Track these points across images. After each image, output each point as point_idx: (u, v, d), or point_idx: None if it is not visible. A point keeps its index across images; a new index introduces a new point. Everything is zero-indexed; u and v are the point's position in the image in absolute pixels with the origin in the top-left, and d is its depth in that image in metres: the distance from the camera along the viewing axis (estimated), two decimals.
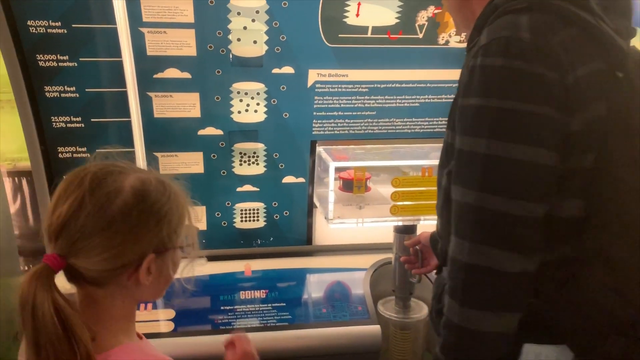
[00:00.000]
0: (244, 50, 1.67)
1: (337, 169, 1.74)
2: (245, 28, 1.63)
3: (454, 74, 1.85)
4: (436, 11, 1.70)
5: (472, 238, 0.85)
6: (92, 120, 1.69)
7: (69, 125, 1.68)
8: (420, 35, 1.75)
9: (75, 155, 1.72)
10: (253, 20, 1.62)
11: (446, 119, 1.87)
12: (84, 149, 1.73)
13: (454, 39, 1.77)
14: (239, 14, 1.60)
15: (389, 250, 1.99)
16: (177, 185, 0.84)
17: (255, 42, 1.66)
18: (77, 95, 1.65)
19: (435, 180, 1.73)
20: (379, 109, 1.87)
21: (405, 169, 1.87)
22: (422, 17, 1.71)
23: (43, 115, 1.66)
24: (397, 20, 1.70)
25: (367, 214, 1.78)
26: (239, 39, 1.65)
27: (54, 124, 1.67)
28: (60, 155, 1.72)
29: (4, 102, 1.90)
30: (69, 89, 1.63)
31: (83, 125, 1.69)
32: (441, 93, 1.88)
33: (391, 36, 1.73)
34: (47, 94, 1.63)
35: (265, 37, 1.66)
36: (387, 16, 1.69)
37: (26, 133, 1.65)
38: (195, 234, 0.88)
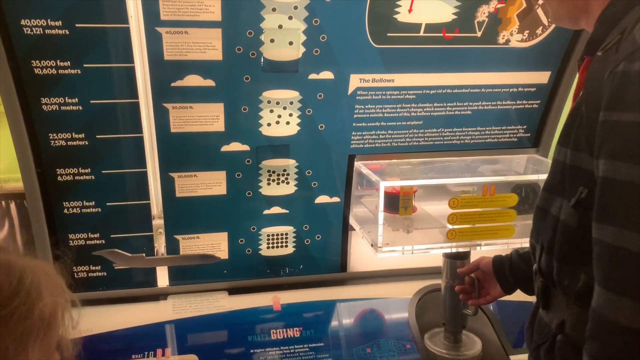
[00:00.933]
0: (277, 53, 1.45)
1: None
2: (280, 27, 1.41)
3: (512, 77, 1.67)
4: (499, 5, 1.50)
5: (637, 295, 0.68)
6: (97, 137, 1.47)
7: (69, 143, 1.45)
8: (479, 34, 1.55)
9: (77, 177, 1.50)
10: (290, 18, 1.41)
11: (500, 127, 1.70)
12: (87, 170, 1.51)
13: (515, 37, 1.58)
14: (274, 10, 1.38)
15: (434, 275, 1.82)
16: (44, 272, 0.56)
17: (291, 43, 1.45)
18: (80, 108, 1.42)
19: (497, 199, 1.57)
20: (426, 118, 1.67)
21: (458, 187, 1.67)
22: (483, 13, 1.51)
23: (39, 131, 1.42)
24: (455, 17, 1.50)
25: (417, 239, 1.59)
26: (272, 40, 1.43)
27: (52, 141, 1.44)
28: (59, 178, 1.49)
29: None
30: (70, 100, 1.40)
31: (87, 143, 1.46)
32: (496, 99, 1.69)
33: (446, 35, 1.53)
34: (45, 107, 1.39)
35: (303, 38, 1.45)
36: (444, 12, 1.49)
37: (19, 153, 1.42)
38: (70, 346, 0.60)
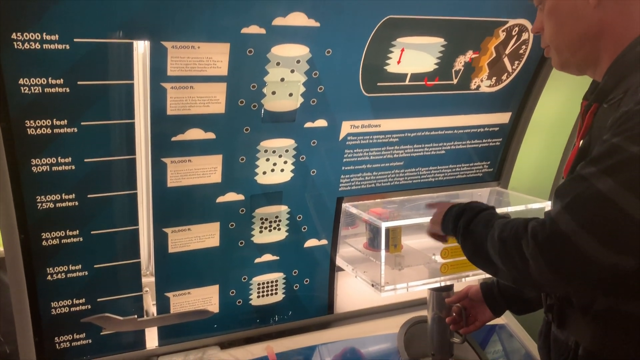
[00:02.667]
0: (277, 104, 1.54)
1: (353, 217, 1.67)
2: (282, 80, 1.50)
3: (479, 119, 1.90)
4: (473, 56, 1.72)
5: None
6: (88, 196, 1.43)
7: (58, 204, 1.41)
8: (455, 81, 1.76)
9: (64, 240, 1.45)
10: (292, 71, 1.50)
11: (468, 164, 1.91)
12: (76, 232, 1.46)
13: (484, 83, 1.81)
14: (278, 64, 1.47)
15: (416, 307, 1.97)
16: None
17: (291, 94, 1.54)
18: (73, 168, 1.39)
19: None
20: (407, 158, 1.84)
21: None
22: (460, 62, 1.72)
23: (26, 195, 1.37)
24: (436, 67, 1.69)
25: (410, 275, 1.74)
26: (273, 92, 1.51)
27: (40, 204, 1.39)
28: (44, 243, 1.43)
29: None
30: (63, 160, 1.37)
31: (77, 204, 1.43)
32: (466, 139, 1.91)
33: (428, 83, 1.71)
34: (34, 169, 1.35)
35: (303, 89, 1.55)
36: (427, 62, 1.67)
37: (2, 219, 1.35)
38: None
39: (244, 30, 1.38)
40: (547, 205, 1.89)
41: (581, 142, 0.99)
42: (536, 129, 2.07)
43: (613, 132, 0.85)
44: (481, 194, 2.09)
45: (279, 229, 1.74)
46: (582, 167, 0.87)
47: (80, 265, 1.50)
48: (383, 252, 1.64)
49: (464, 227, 1.09)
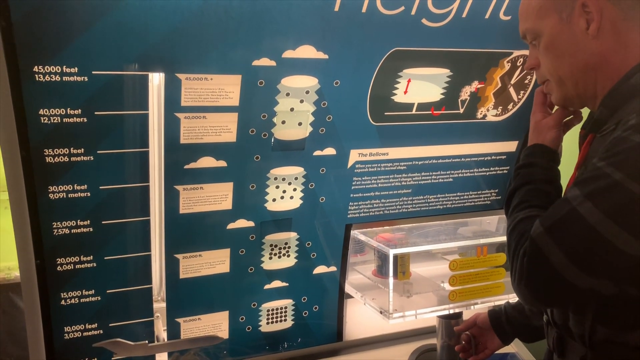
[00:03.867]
0: (287, 133, 1.58)
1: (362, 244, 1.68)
2: (292, 110, 1.54)
3: (486, 147, 1.92)
4: (479, 86, 1.75)
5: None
6: (102, 222, 1.46)
7: (73, 230, 1.44)
8: (461, 111, 1.79)
9: (78, 266, 1.48)
10: (301, 101, 1.54)
11: (476, 192, 1.93)
12: (90, 258, 1.49)
13: (491, 112, 1.84)
14: (288, 94, 1.51)
15: (426, 335, 1.96)
16: None
17: (300, 123, 1.58)
18: (88, 195, 1.42)
19: (490, 259, 1.77)
20: (415, 186, 1.86)
21: (445, 249, 1.86)
22: (466, 92, 1.75)
23: (43, 221, 1.41)
24: (442, 96, 1.73)
25: (419, 303, 1.74)
26: (283, 122, 1.55)
27: (56, 230, 1.42)
28: (59, 268, 1.46)
29: None
30: (79, 187, 1.41)
31: (91, 230, 1.46)
32: (473, 167, 1.93)
33: (434, 112, 1.74)
34: (51, 196, 1.39)
35: (312, 119, 1.59)
36: (434, 92, 1.71)
37: (19, 244, 1.39)
38: None
39: (255, 63, 1.43)
40: None
41: (578, 172, 1.01)
42: None
43: (600, 157, 0.87)
44: (490, 222, 2.10)
45: (289, 256, 1.76)
46: (568, 190, 0.90)
47: (93, 291, 1.52)
48: (391, 280, 1.65)
49: (509, 193, 1.11)
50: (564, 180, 2.13)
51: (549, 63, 1.04)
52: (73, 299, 1.51)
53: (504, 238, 1.84)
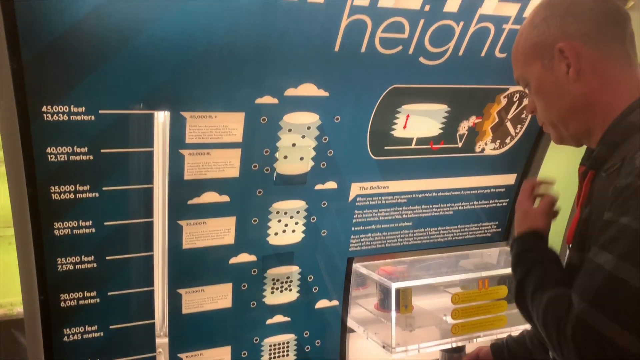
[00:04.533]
0: (289, 167, 1.61)
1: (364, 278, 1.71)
2: (294, 145, 1.57)
3: (486, 180, 1.94)
4: (477, 121, 1.79)
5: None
6: (107, 258, 1.47)
7: (78, 266, 1.45)
8: (460, 145, 1.81)
9: (81, 302, 1.48)
10: (303, 137, 1.58)
11: (477, 224, 1.94)
12: (93, 294, 1.49)
13: (489, 146, 1.87)
14: (289, 130, 1.54)
15: None
16: None
17: (302, 158, 1.61)
18: (93, 231, 1.44)
19: (492, 292, 1.77)
20: (415, 219, 1.88)
21: (446, 283, 1.86)
22: (464, 127, 1.79)
23: (47, 257, 1.41)
24: (441, 131, 1.76)
25: (422, 336, 1.73)
26: (285, 157, 1.58)
27: (60, 266, 1.43)
28: (62, 304, 1.46)
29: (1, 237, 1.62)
30: (84, 223, 1.42)
31: (95, 266, 1.47)
32: (473, 199, 1.95)
33: (433, 146, 1.77)
34: (57, 232, 1.40)
35: (313, 153, 1.62)
36: (432, 127, 1.74)
37: (23, 280, 1.39)
38: None
39: (258, 101, 1.47)
40: None
41: (582, 210, 1.01)
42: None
43: (619, 210, 0.85)
44: (491, 254, 2.11)
45: (290, 290, 1.77)
46: (596, 254, 0.86)
47: (96, 327, 1.52)
48: (394, 313, 1.65)
49: (518, 282, 1.05)
50: (563, 216, 2.14)
51: (540, 107, 1.07)
52: (76, 335, 1.51)
53: (504, 270, 1.87)
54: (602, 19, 0.97)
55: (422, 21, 1.51)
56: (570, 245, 1.03)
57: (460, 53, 1.62)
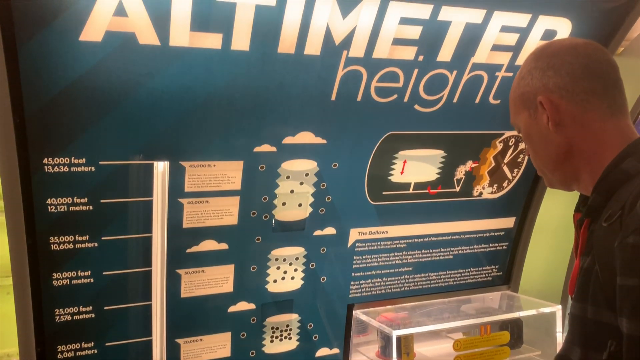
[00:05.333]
0: (287, 214, 1.61)
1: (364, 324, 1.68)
2: (292, 192, 1.58)
3: (484, 224, 1.94)
4: (473, 165, 1.80)
5: None
6: (105, 308, 1.46)
7: (75, 317, 1.44)
8: (457, 189, 1.82)
9: (78, 353, 1.46)
10: (301, 184, 1.59)
11: (477, 268, 1.93)
12: (91, 344, 1.48)
13: (486, 190, 1.88)
14: (288, 177, 1.56)
15: None
16: None
17: (300, 205, 1.61)
18: (92, 281, 1.44)
19: (494, 338, 1.74)
20: (416, 264, 1.87)
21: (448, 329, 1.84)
22: (461, 172, 1.80)
23: (45, 307, 1.41)
24: (438, 176, 1.77)
25: None
26: (284, 203, 1.59)
27: (58, 317, 1.42)
28: (59, 356, 1.45)
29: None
30: (83, 273, 1.42)
31: (93, 316, 1.46)
32: (473, 243, 1.94)
33: (431, 191, 1.78)
34: (55, 282, 1.40)
35: (311, 200, 1.62)
36: (429, 172, 1.76)
37: (20, 330, 1.38)
38: None
39: (257, 149, 1.49)
40: (558, 309, 1.88)
41: (582, 259, 1.00)
42: (542, 232, 2.10)
43: (632, 273, 0.85)
44: (492, 298, 2.09)
45: (290, 338, 1.74)
46: (627, 328, 0.86)
47: None
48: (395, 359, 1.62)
49: None
50: (564, 258, 2.13)
51: (530, 153, 1.10)
52: None
53: (507, 316, 1.84)
54: (579, 73, 0.99)
55: (416, 71, 1.54)
56: (573, 295, 1.02)
57: (455, 100, 1.65)
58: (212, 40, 1.31)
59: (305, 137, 1.54)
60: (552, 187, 1.12)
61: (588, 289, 0.95)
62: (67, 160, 1.32)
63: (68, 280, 1.42)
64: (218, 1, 1.26)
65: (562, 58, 1.01)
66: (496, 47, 1.61)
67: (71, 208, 1.36)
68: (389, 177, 1.72)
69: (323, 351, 1.80)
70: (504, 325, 1.85)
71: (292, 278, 1.70)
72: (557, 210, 2.16)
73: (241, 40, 1.33)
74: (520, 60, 1.65)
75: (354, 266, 1.78)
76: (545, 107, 1.00)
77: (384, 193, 1.73)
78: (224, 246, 1.57)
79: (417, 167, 1.74)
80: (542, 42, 1.61)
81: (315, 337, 1.78)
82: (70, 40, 1.20)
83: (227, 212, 1.54)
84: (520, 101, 1.06)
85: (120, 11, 1.21)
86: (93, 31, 1.20)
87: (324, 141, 1.57)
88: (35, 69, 1.21)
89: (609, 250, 0.90)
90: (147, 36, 1.25)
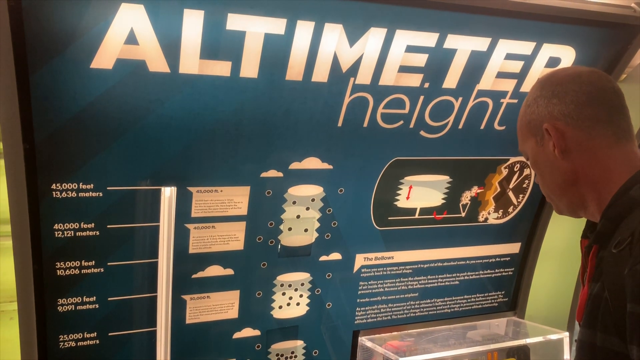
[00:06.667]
0: (293, 239, 1.61)
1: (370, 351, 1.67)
2: (298, 217, 1.58)
3: (490, 249, 1.94)
4: (479, 191, 1.81)
5: None
6: (109, 334, 1.45)
7: (79, 343, 1.43)
8: (463, 214, 1.82)
9: None
10: (307, 209, 1.59)
11: (483, 294, 1.92)
12: None
13: (492, 215, 1.87)
14: (294, 203, 1.56)
15: None
16: None
17: (306, 230, 1.61)
18: (97, 307, 1.43)
19: None
20: (421, 289, 1.86)
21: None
22: (466, 197, 1.80)
23: (50, 333, 1.39)
24: (444, 201, 1.77)
25: None
26: (290, 229, 1.59)
27: (62, 344, 1.41)
28: None
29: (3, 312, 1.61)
30: (88, 299, 1.41)
31: (98, 342, 1.45)
32: (479, 269, 1.93)
33: (437, 216, 1.78)
34: (60, 308, 1.39)
35: (317, 225, 1.62)
36: (435, 197, 1.76)
37: (24, 357, 1.37)
38: None
39: (263, 175, 1.50)
40: (565, 335, 1.86)
41: (590, 285, 0.99)
42: (548, 257, 2.09)
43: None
44: (499, 324, 2.07)
45: None
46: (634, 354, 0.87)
47: None
48: None
49: None
50: (570, 284, 2.12)
51: (538, 180, 1.10)
52: None
53: (513, 342, 1.83)
54: (584, 101, 1.01)
55: (421, 97, 1.56)
56: (581, 322, 1.02)
57: (460, 126, 1.66)
58: (221, 68, 1.32)
59: (312, 163, 1.54)
60: (560, 214, 1.12)
61: (597, 316, 0.95)
62: (75, 185, 1.32)
63: (73, 305, 1.41)
64: (228, 30, 1.28)
65: (567, 86, 1.02)
66: (501, 75, 1.62)
67: (78, 233, 1.36)
68: (395, 203, 1.72)
69: None
70: (511, 352, 1.83)
71: (298, 304, 1.69)
72: (563, 235, 2.16)
73: (250, 68, 1.34)
74: (525, 87, 1.67)
75: (359, 292, 1.77)
76: (551, 133, 1.01)
77: (389, 218, 1.73)
78: (229, 272, 1.56)
79: (422, 192, 1.74)
80: (547, 70, 1.63)
81: None
82: (82, 68, 1.21)
83: (233, 238, 1.53)
84: (527, 129, 1.07)
85: (132, 39, 1.22)
86: (104, 59, 1.22)
87: (331, 167, 1.57)
88: (46, 96, 1.22)
89: (619, 276, 0.90)
90: (157, 64, 1.27)
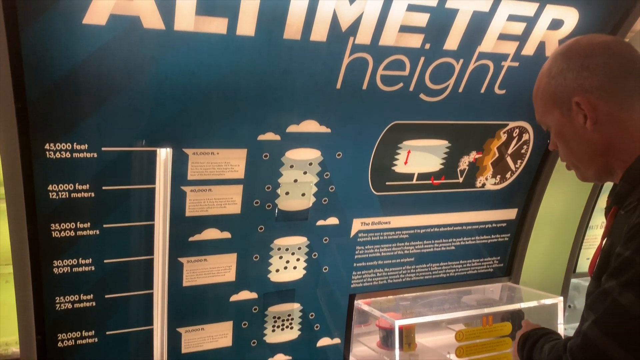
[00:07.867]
0: (291, 204, 1.60)
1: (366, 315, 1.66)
2: (295, 181, 1.57)
3: (487, 215, 1.94)
4: (477, 156, 1.80)
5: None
6: (105, 297, 1.45)
7: (76, 305, 1.43)
8: (461, 180, 1.82)
9: (79, 341, 1.45)
10: (305, 173, 1.58)
11: (479, 259, 1.93)
12: (91, 333, 1.46)
13: (489, 181, 1.87)
14: (291, 167, 1.55)
15: None
16: None
17: (303, 194, 1.60)
18: (93, 269, 1.42)
19: (496, 329, 1.74)
20: (417, 254, 1.86)
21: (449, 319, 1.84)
22: (464, 162, 1.79)
23: (46, 295, 1.39)
24: (442, 167, 1.77)
25: None
26: (287, 193, 1.58)
27: (58, 305, 1.41)
28: (60, 344, 1.43)
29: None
30: (84, 261, 1.41)
31: (94, 304, 1.45)
32: (475, 235, 1.94)
33: (434, 182, 1.77)
34: (56, 270, 1.38)
35: (315, 189, 1.61)
36: (433, 163, 1.75)
37: (20, 318, 1.37)
38: None
39: (261, 137, 1.47)
40: (559, 300, 1.88)
41: (604, 242, 1.04)
42: (544, 224, 2.10)
43: (625, 245, 0.92)
44: (493, 290, 2.09)
45: (292, 328, 1.74)
46: (606, 280, 0.94)
47: None
48: (397, 352, 1.62)
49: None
50: (565, 251, 2.13)
51: (562, 150, 1.10)
52: None
53: (508, 307, 1.85)
54: (616, 73, 1.00)
55: (422, 59, 1.53)
56: (592, 274, 1.06)
57: (460, 90, 1.63)
58: (217, 25, 1.29)
59: (310, 126, 1.52)
60: (585, 181, 1.15)
61: (605, 269, 0.99)
62: (69, 146, 1.30)
63: (69, 268, 1.40)
64: None
65: (597, 59, 1.01)
66: (503, 36, 1.59)
67: (73, 195, 1.35)
68: (393, 168, 1.71)
69: (324, 341, 1.80)
70: (505, 316, 1.85)
71: (295, 268, 1.69)
72: (559, 202, 2.16)
73: (247, 25, 1.31)
74: (527, 50, 1.64)
75: (356, 256, 1.77)
76: (584, 107, 1.01)
77: (387, 183, 1.72)
78: (226, 235, 1.55)
79: (421, 157, 1.73)
80: (550, 32, 1.61)
81: (317, 327, 1.78)
82: (74, 24, 1.18)
83: (230, 201, 1.52)
84: (552, 101, 1.06)
85: None
86: (97, 14, 1.18)
87: (329, 130, 1.55)
88: (37, 53, 1.18)
89: (621, 234, 0.95)
90: (152, 20, 1.23)
